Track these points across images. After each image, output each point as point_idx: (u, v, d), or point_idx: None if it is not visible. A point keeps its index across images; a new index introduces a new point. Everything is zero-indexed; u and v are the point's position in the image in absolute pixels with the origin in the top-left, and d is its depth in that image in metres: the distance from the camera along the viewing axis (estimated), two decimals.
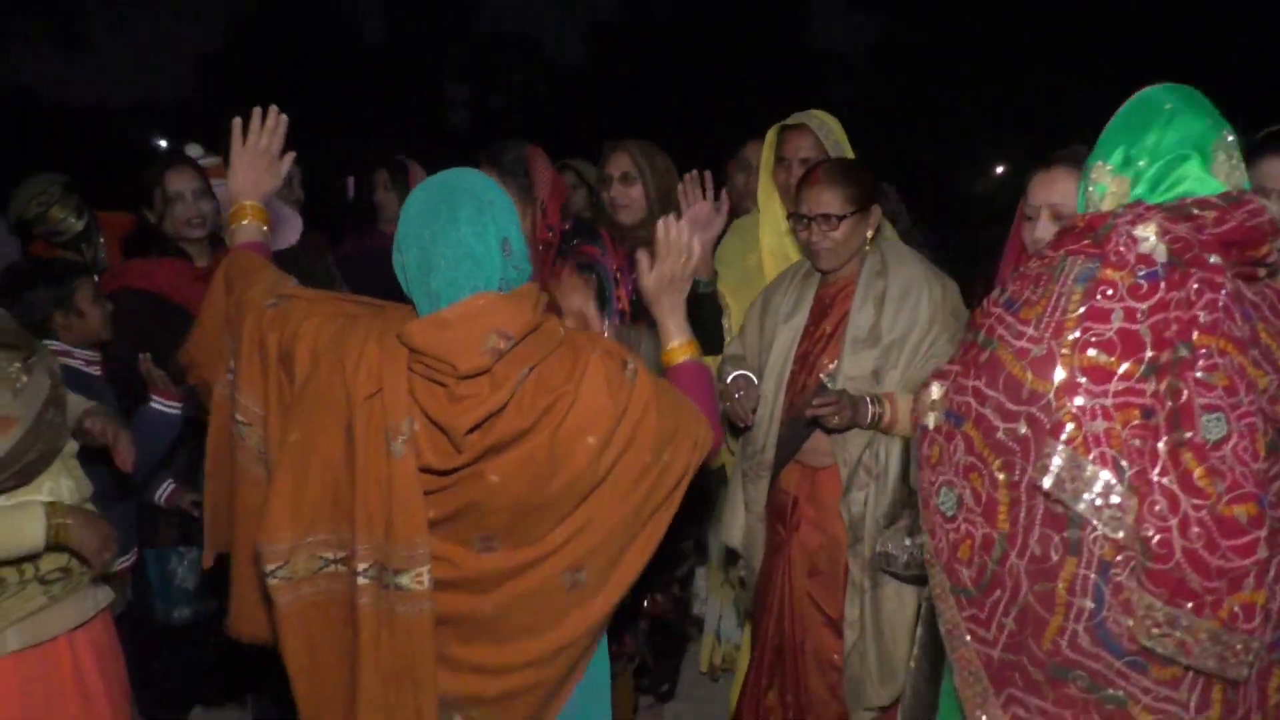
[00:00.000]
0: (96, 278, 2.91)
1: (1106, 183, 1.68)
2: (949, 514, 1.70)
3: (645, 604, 2.89)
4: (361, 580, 1.65)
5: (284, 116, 2.08)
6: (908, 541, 2.31)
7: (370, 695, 1.67)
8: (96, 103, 20.20)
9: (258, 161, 2.07)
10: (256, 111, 2.06)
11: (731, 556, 2.91)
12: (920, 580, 2.20)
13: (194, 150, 3.74)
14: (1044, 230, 2.14)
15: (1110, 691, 1.59)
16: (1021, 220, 2.29)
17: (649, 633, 2.96)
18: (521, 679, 1.76)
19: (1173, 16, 15.91)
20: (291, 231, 3.69)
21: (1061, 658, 1.60)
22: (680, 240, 1.88)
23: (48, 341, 2.52)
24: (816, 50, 22.93)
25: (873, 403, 2.42)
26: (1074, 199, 2.00)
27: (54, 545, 2.06)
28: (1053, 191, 2.15)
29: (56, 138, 13.73)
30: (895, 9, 20.51)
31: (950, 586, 1.71)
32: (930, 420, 1.74)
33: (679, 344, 1.93)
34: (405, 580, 1.64)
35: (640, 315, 2.60)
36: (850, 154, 2.99)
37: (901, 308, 2.51)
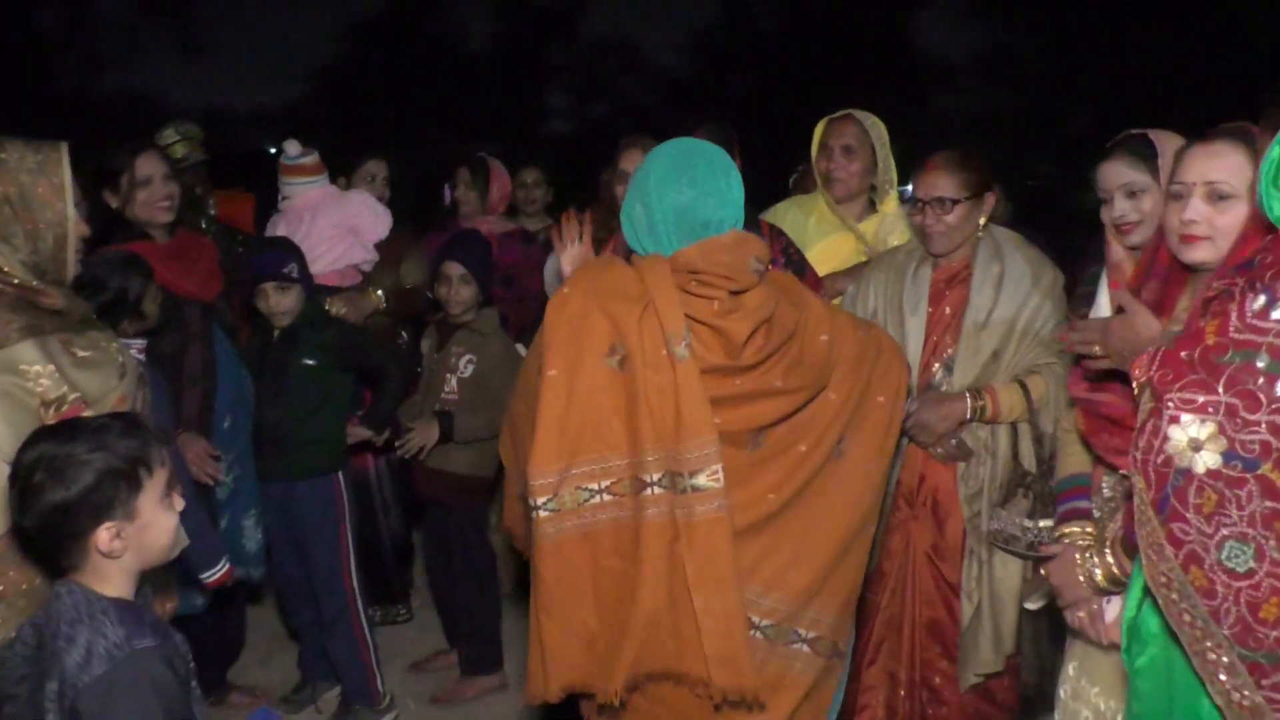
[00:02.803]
0: None
1: None
2: (1240, 570, 1.42)
3: None
4: (652, 491, 1.79)
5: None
6: (1028, 523, 2.50)
7: (650, 611, 1.78)
8: (213, 109, 20.96)
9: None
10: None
11: None
12: (1039, 557, 2.38)
13: (292, 147, 3.84)
14: (1195, 210, 1.85)
15: None
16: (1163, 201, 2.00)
17: None
18: (835, 553, 1.95)
19: None
20: (381, 225, 3.79)
21: None
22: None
23: None
24: (923, 59, 22.52)
25: (972, 397, 2.57)
26: (1238, 177, 1.81)
27: None
28: (1214, 167, 1.84)
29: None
30: (1007, 18, 20.02)
31: (1242, 653, 1.43)
32: (1199, 464, 1.44)
33: None
34: (701, 480, 1.78)
35: None
36: (890, 154, 3.30)
37: (1018, 290, 2.61)
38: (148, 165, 3.02)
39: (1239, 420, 1.41)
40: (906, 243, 2.92)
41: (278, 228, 3.80)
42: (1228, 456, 1.41)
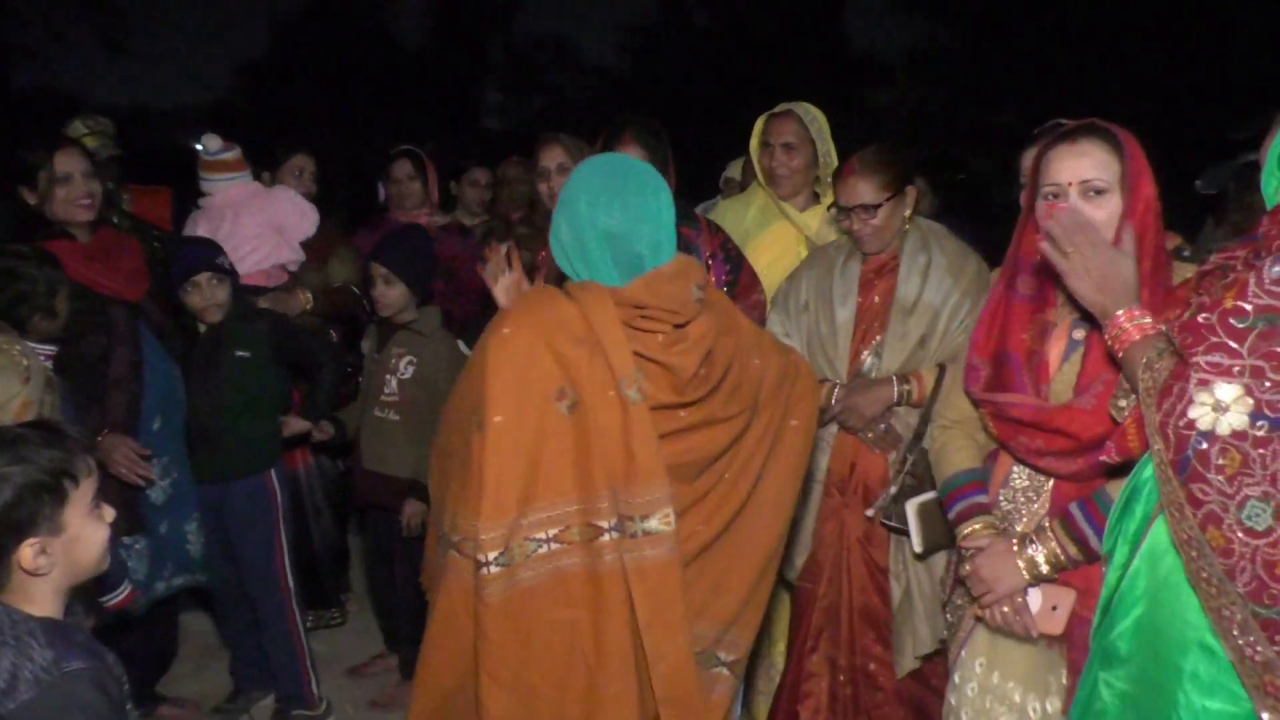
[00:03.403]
0: None
1: None
2: (1259, 529, 1.45)
3: None
4: (609, 538, 1.76)
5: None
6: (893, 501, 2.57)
7: (620, 656, 1.75)
8: (137, 105, 20.45)
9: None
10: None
11: None
12: (900, 531, 2.56)
13: (212, 142, 3.73)
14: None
15: None
16: (1032, 200, 2.03)
17: None
18: (754, 579, 1.96)
19: (1214, 30, 15.63)
20: (308, 223, 3.71)
21: None
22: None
23: None
24: (855, 54, 22.78)
25: (899, 381, 2.65)
26: (1110, 171, 1.89)
27: None
28: (1084, 166, 1.90)
29: None
30: (936, 12, 20.32)
31: (1256, 610, 1.46)
32: (1223, 425, 1.46)
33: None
34: (653, 523, 1.76)
35: None
36: (832, 145, 3.33)
37: (944, 278, 2.68)
38: (67, 162, 2.90)
39: (1266, 382, 1.44)
40: (839, 238, 2.96)
41: (198, 226, 3.69)
42: (1254, 417, 1.45)
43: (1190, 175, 4.09)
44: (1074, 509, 1.94)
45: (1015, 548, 1.99)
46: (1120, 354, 1.68)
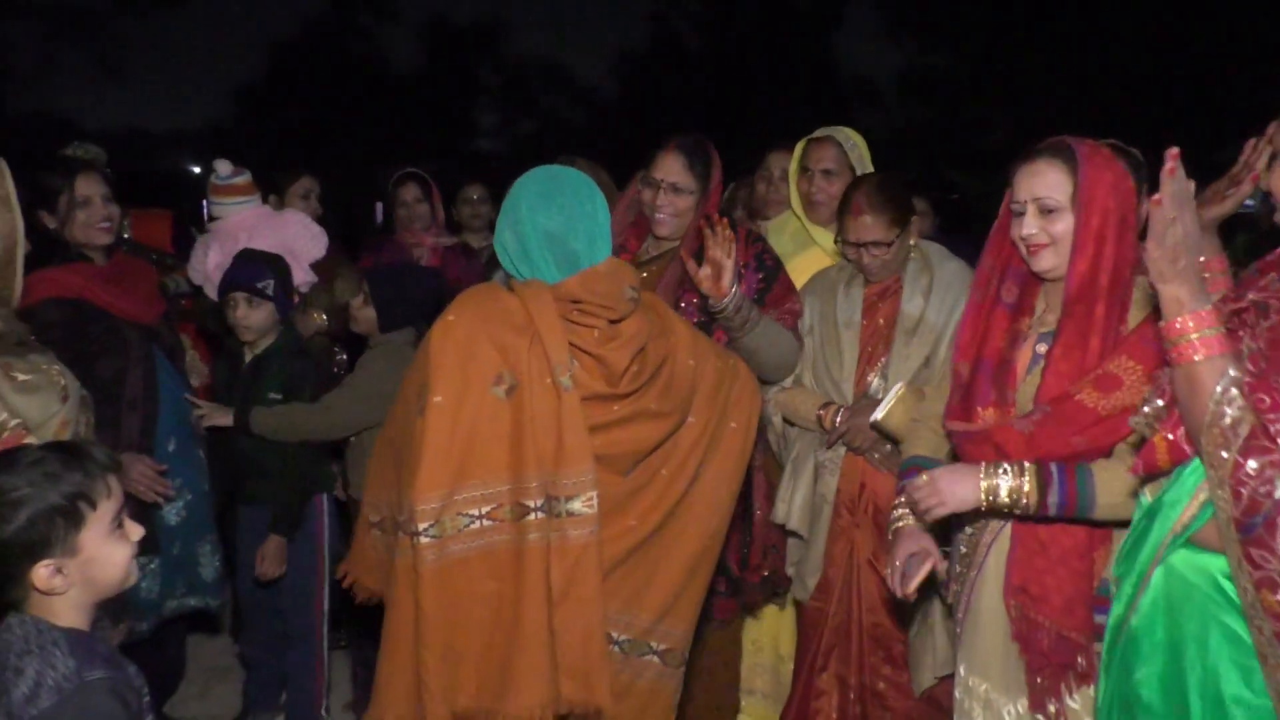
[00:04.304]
0: None
1: None
2: None
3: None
4: (535, 517, 1.87)
5: None
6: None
7: (535, 628, 1.85)
8: (133, 129, 20.51)
9: None
10: None
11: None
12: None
13: (224, 167, 3.79)
14: (1031, 225, 2.00)
15: None
16: (1007, 216, 2.11)
17: None
18: (686, 573, 2.07)
19: (1201, 48, 15.80)
20: (317, 246, 3.75)
21: None
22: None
23: None
24: (845, 77, 22.95)
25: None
26: (1061, 191, 1.97)
27: None
28: (1038, 185, 2.00)
29: None
30: (926, 36, 20.50)
31: None
32: None
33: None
34: (576, 505, 1.87)
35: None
36: (871, 169, 3.20)
37: (945, 298, 2.72)
38: (88, 185, 2.96)
39: None
40: (839, 263, 2.97)
41: (209, 249, 3.73)
42: None
43: None
44: (1053, 466, 1.95)
45: (983, 471, 1.99)
46: (1177, 363, 1.52)
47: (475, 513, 1.86)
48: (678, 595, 2.07)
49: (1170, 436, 1.58)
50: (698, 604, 2.13)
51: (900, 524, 2.18)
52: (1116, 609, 1.71)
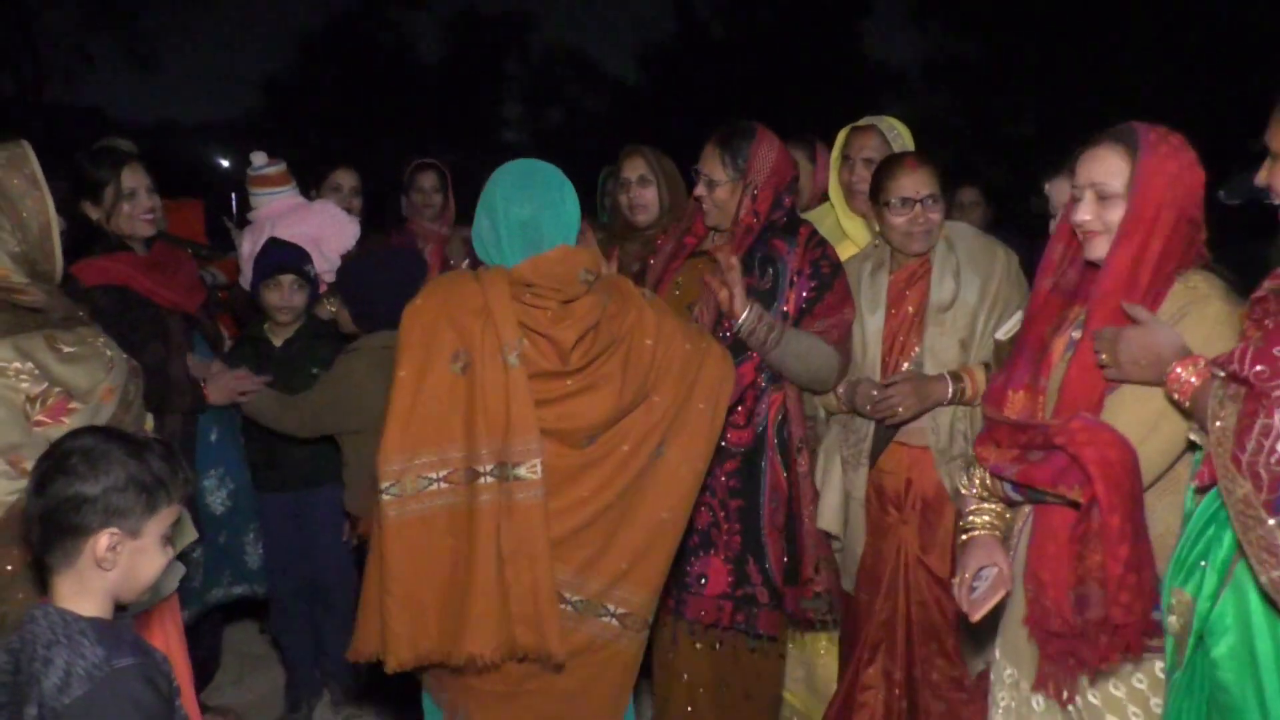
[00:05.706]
0: None
1: None
2: None
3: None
4: (485, 480, 2.03)
5: None
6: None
7: (485, 581, 2.02)
8: (164, 121, 20.70)
9: None
10: None
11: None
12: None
13: (258, 158, 3.84)
14: (1087, 211, 1.95)
15: None
16: (1070, 203, 2.06)
17: None
18: (643, 541, 2.18)
19: (1234, 42, 15.59)
20: (347, 236, 3.80)
21: None
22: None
23: None
24: (871, 65, 22.84)
25: (952, 379, 2.61)
26: (1118, 177, 1.91)
27: None
28: (1096, 170, 1.95)
29: None
30: (953, 24, 20.34)
31: None
32: None
33: None
34: (523, 471, 2.03)
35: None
36: None
37: (974, 276, 2.70)
38: (133, 178, 3.01)
39: None
40: (864, 249, 2.96)
41: (244, 239, 3.79)
42: None
43: (1213, 185, 4.10)
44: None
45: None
46: (1188, 404, 1.66)
47: (433, 475, 2.04)
48: (634, 563, 2.18)
49: None
50: (660, 573, 2.23)
51: (972, 533, 2.11)
52: (1200, 607, 1.68)
